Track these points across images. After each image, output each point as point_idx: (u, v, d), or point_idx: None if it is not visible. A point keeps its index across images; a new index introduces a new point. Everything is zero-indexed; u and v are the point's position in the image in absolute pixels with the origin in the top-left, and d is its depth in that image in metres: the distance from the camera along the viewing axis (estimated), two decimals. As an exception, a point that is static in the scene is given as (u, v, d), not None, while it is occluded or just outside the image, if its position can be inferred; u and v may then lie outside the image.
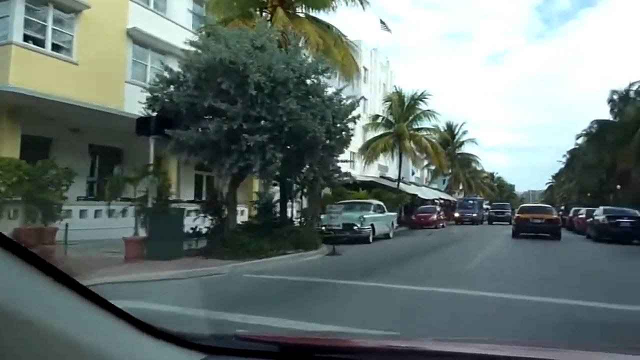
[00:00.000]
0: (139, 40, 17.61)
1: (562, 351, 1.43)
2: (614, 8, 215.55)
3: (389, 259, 12.70)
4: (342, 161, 13.98)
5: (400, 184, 33.84)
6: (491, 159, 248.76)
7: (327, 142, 11.89)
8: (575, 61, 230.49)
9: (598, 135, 53.17)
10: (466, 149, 53.42)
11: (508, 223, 34.03)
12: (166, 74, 11.85)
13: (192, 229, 12.50)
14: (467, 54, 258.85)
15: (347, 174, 14.69)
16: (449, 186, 60.75)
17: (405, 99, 32.52)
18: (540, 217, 20.86)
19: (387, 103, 33.33)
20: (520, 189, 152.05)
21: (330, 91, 12.48)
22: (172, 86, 11.62)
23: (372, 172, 41.01)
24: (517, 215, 22.21)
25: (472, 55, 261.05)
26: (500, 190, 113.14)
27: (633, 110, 44.01)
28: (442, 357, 1.29)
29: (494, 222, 39.05)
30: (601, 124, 52.90)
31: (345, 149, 13.18)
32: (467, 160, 62.14)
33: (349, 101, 13.06)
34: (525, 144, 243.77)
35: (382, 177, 37.26)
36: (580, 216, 27.60)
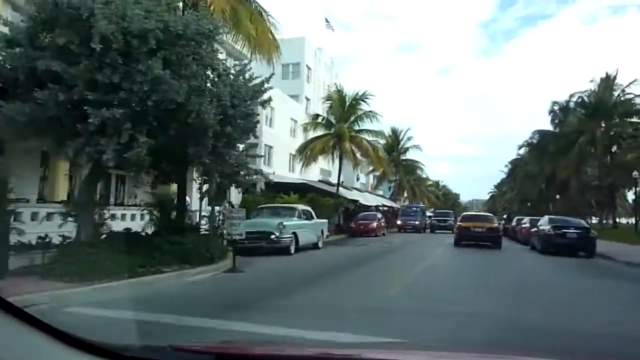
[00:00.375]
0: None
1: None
2: (553, 28, 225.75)
3: (298, 278, 10.07)
4: (250, 156, 11.29)
5: (341, 189, 31.48)
6: (438, 168, 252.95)
7: (223, 128, 9.18)
8: (518, 76, 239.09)
9: (539, 145, 53.15)
10: (411, 155, 52.07)
11: (450, 231, 32.56)
12: (5, 30, 8.76)
13: (40, 237, 9.44)
14: (418, 65, 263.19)
15: (258, 172, 12.02)
16: (394, 193, 59.31)
17: (347, 99, 30.25)
18: (481, 225, 20.58)
19: (328, 102, 30.93)
20: (464, 197, 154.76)
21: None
22: (17, 48, 8.57)
23: (312, 176, 38.62)
24: (458, 223, 21.85)
25: (423, 66, 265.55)
26: (445, 198, 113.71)
27: (574, 120, 43.96)
28: None
29: (436, 231, 37.25)
30: (542, 133, 52.91)
31: (249, 138, 10.53)
32: (412, 167, 60.92)
33: (257, 80, 10.41)
34: (470, 154, 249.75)
35: (321, 181, 34.85)
36: (523, 225, 26.14)
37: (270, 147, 33.64)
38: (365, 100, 30.24)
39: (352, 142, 29.55)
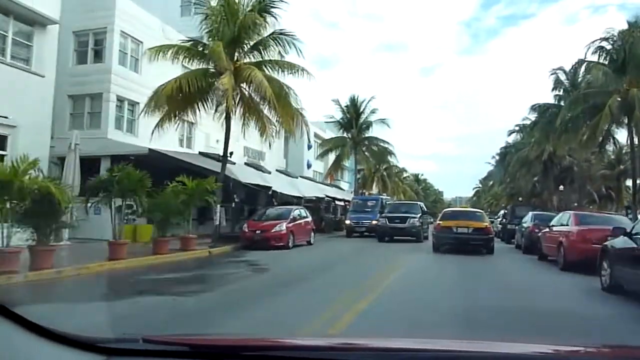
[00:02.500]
0: None
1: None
2: (534, 27, 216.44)
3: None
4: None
5: (237, 167, 18.43)
6: (420, 166, 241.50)
7: None
8: (501, 74, 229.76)
9: (539, 123, 40.35)
10: (378, 133, 38.91)
11: (416, 238, 20.08)
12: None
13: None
14: (401, 64, 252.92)
15: None
16: (360, 186, 46.41)
17: (241, 8, 17.01)
18: (467, 224, 15.13)
19: (206, 16, 17.36)
20: (448, 195, 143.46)
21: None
22: None
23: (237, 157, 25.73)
24: (437, 222, 16.17)
25: (406, 66, 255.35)
26: (426, 194, 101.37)
27: (599, 77, 30.90)
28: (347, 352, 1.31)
29: (387, 238, 20.58)
30: (543, 109, 40.16)
31: None
32: (380, 153, 48.09)
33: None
34: (453, 152, 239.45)
35: (205, 154, 21.66)
36: (555, 230, 13.08)
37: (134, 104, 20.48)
38: (271, 10, 17.01)
39: (242, 77, 16.36)
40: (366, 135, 37.25)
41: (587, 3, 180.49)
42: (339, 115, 37.04)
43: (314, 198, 26.56)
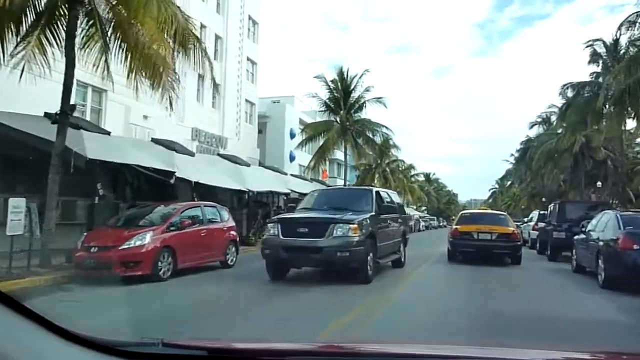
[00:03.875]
0: None
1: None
2: (549, 27, 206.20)
3: None
4: None
5: (101, 139, 11.00)
6: (434, 169, 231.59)
7: None
8: (515, 75, 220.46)
9: (574, 105, 32.29)
10: (375, 115, 31.09)
11: (353, 273, 8.74)
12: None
13: None
14: (414, 66, 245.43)
15: None
16: (358, 183, 38.73)
17: None
18: (490, 229, 12.80)
19: None
20: (463, 197, 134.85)
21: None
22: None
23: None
24: (454, 227, 13.43)
25: (418, 68, 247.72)
26: (439, 194, 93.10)
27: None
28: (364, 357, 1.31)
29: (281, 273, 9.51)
30: (580, 86, 32.22)
31: None
32: (382, 147, 40.32)
33: None
34: (469, 154, 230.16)
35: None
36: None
37: None
38: None
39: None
40: (358, 118, 29.54)
41: (603, 3, 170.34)
42: (325, 96, 29.44)
43: (272, 193, 18.95)
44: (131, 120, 19.44)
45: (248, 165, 19.55)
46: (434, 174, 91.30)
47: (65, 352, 0.89)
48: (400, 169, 49.97)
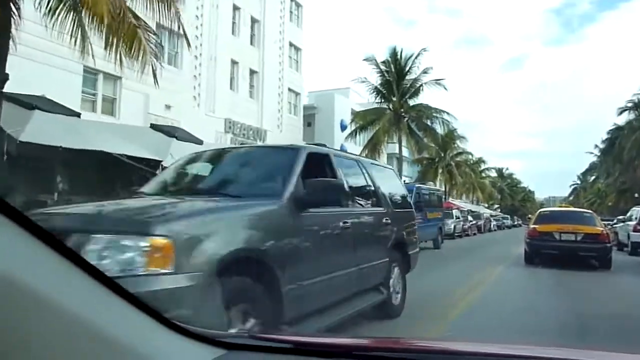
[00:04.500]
0: None
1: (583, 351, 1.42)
2: (635, 9, 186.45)
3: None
4: None
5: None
6: (507, 165, 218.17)
7: None
8: (596, 63, 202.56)
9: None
10: (429, 100, 27.32)
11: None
12: None
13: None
14: (483, 59, 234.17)
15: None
16: (419, 178, 35.03)
17: None
18: (574, 229, 11.62)
19: None
20: (540, 195, 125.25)
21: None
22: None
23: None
24: (532, 227, 12.34)
25: (488, 60, 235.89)
26: (512, 191, 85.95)
27: None
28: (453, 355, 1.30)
29: None
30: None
31: None
32: (448, 139, 36.20)
33: None
34: (544, 149, 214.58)
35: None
36: None
37: None
38: None
39: None
40: (414, 103, 26.03)
41: None
42: (377, 81, 26.19)
43: None
44: (151, 110, 17.44)
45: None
46: (507, 169, 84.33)
47: (165, 339, 0.92)
48: (468, 162, 45.33)
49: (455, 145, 40.28)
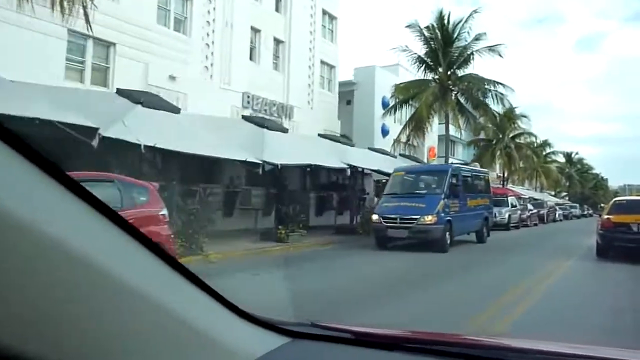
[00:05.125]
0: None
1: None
2: None
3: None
4: None
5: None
6: (581, 151, 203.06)
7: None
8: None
9: None
10: (484, 71, 23.57)
11: None
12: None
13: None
14: (555, 39, 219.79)
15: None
16: (476, 162, 31.32)
17: None
18: None
19: None
20: (614, 183, 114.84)
21: None
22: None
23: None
24: (606, 217, 11.73)
25: (560, 41, 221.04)
26: (582, 178, 78.46)
27: None
28: (526, 354, 1.22)
29: None
30: None
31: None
32: (507, 117, 32.07)
33: None
34: (620, 134, 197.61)
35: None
36: None
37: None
38: None
39: None
40: (462, 74, 22.61)
41: None
42: (419, 50, 22.95)
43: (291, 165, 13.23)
44: (151, 82, 15.43)
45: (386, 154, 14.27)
46: (576, 153, 77.06)
47: (233, 325, 0.94)
48: (530, 145, 40.63)
49: (516, 125, 36.02)
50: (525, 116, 36.41)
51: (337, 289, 6.36)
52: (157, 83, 15.67)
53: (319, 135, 17.36)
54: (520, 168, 38.73)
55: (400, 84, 23.46)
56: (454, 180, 12.31)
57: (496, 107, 25.16)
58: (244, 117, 13.90)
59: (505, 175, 37.80)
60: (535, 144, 44.52)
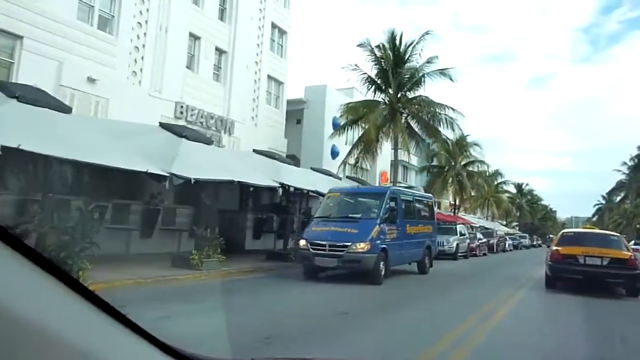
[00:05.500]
0: None
1: None
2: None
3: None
4: None
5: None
6: (531, 183, 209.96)
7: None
8: (623, 84, 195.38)
9: None
10: (433, 94, 22.93)
11: None
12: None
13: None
14: (509, 77, 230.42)
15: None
16: (427, 189, 30.54)
17: None
18: (599, 253, 11.05)
19: None
20: (562, 214, 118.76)
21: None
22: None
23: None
24: (555, 249, 11.80)
25: (514, 78, 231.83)
26: (532, 209, 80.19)
27: None
28: None
29: None
30: None
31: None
32: (460, 145, 31.71)
33: None
34: (568, 169, 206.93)
35: None
36: None
37: None
38: None
39: None
40: (412, 96, 21.87)
41: None
42: (370, 70, 22.11)
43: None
44: (65, 82, 13.66)
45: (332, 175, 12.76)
46: (527, 184, 78.83)
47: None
48: (482, 174, 40.59)
49: (468, 153, 35.85)
50: (477, 144, 36.36)
51: (215, 337, 4.85)
52: (71, 84, 13.91)
53: (254, 151, 15.91)
54: (472, 196, 38.49)
55: (349, 103, 22.44)
56: (392, 204, 11.09)
57: (447, 132, 24.55)
58: (161, 125, 12.26)
59: (457, 203, 37.42)
60: (487, 173, 44.69)
